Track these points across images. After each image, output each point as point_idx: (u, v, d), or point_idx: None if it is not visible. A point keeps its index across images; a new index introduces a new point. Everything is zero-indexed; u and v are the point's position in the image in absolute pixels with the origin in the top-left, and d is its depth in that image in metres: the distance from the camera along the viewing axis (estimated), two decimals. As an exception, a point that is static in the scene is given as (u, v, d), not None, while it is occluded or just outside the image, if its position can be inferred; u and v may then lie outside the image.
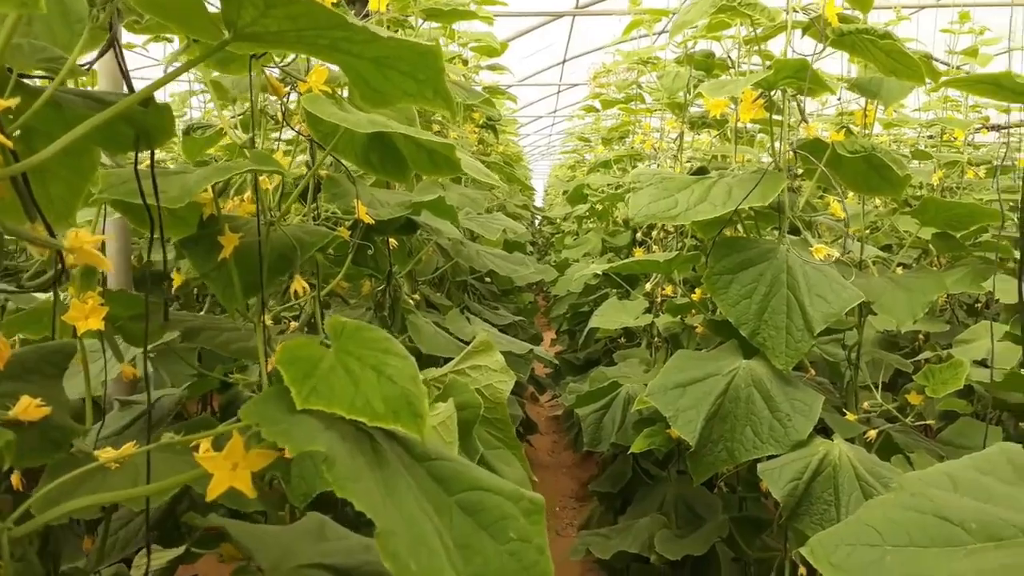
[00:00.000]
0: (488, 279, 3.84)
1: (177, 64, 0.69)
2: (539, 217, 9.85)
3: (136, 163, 0.75)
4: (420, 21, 3.61)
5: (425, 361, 1.88)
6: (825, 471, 1.56)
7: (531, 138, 18.68)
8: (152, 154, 0.77)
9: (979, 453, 0.89)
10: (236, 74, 1.51)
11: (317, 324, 1.51)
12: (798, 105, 1.84)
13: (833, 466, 1.56)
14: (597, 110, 5.43)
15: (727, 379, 1.69)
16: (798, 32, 1.83)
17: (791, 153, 1.76)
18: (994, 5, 6.22)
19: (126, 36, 1.20)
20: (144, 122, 0.74)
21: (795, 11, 1.77)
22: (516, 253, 3.14)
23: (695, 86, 2.53)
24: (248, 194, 1.55)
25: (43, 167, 0.68)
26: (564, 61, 11.63)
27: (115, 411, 1.62)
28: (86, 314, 1.00)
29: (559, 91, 13.52)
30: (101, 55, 0.67)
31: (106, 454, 0.94)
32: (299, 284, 1.22)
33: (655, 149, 3.49)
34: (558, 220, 7.02)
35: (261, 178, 1.68)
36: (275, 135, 1.92)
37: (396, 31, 3.01)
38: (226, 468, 0.61)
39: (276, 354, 0.61)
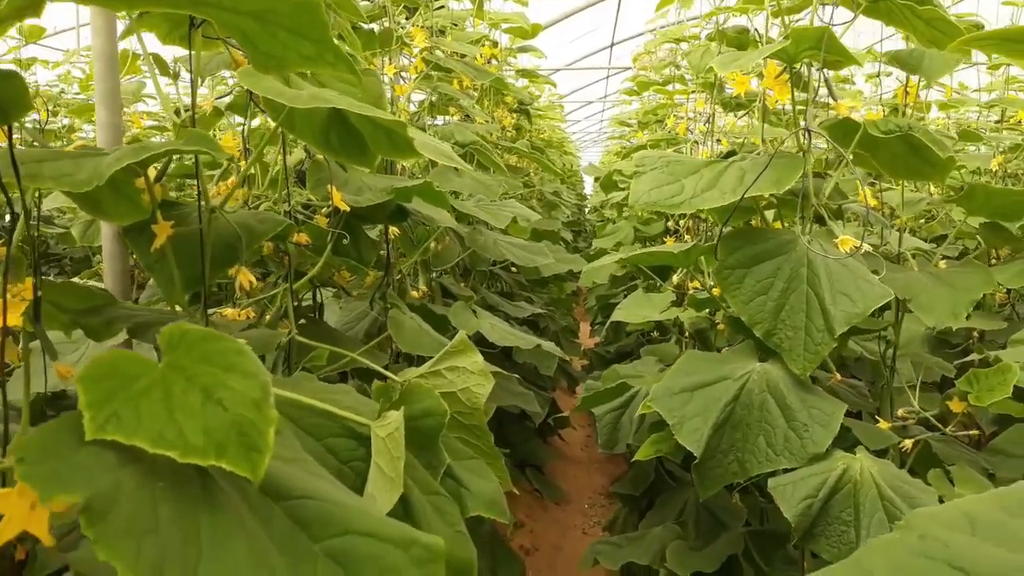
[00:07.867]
0: (514, 268, 3.70)
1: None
2: (587, 204, 9.68)
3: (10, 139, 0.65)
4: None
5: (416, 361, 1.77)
6: (844, 489, 1.39)
7: (581, 124, 18.39)
8: (9, 129, 0.67)
9: (1008, 489, 0.76)
10: (205, 50, 1.41)
11: (290, 319, 1.41)
12: (826, 81, 1.66)
13: (853, 483, 1.40)
14: (639, 93, 5.22)
15: (739, 383, 1.54)
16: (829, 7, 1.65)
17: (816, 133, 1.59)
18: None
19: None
20: (-12, 93, 0.63)
21: (825, -23, 1.59)
22: (543, 242, 3.00)
23: (724, 63, 2.34)
24: (232, 179, 1.45)
25: None
26: (612, 44, 11.38)
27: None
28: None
29: (608, 76, 13.23)
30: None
31: None
32: (245, 277, 1.12)
33: (690, 132, 3.31)
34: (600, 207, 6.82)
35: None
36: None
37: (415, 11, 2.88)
38: (22, 507, 0.50)
39: (83, 368, 0.50)
